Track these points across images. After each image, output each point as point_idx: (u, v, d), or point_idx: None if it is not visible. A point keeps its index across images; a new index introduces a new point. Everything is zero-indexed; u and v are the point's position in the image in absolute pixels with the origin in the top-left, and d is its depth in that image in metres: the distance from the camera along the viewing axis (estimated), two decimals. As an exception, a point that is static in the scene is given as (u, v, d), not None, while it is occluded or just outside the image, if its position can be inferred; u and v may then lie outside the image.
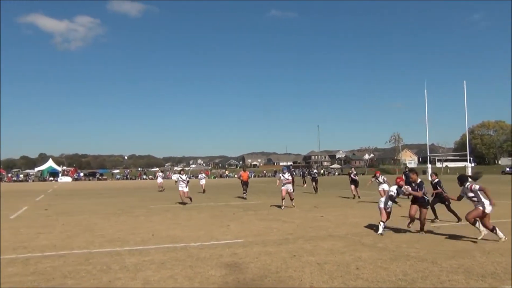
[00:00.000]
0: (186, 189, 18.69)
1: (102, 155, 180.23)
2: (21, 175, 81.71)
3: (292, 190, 16.58)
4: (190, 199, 18.85)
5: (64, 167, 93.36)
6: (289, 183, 16.25)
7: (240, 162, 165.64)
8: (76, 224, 12.35)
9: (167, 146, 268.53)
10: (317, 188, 26.53)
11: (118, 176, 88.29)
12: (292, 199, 16.56)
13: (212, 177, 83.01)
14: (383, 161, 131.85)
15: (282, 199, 16.22)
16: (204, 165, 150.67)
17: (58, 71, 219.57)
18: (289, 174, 16.60)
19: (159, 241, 9.20)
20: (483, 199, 8.33)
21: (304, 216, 13.56)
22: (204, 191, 27.60)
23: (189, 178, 18.54)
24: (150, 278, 6.05)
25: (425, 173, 60.47)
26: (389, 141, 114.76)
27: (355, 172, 22.01)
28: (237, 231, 10.65)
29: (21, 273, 6.44)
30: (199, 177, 30.22)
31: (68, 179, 75.33)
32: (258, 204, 18.52)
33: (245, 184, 21.57)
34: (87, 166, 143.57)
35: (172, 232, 10.44)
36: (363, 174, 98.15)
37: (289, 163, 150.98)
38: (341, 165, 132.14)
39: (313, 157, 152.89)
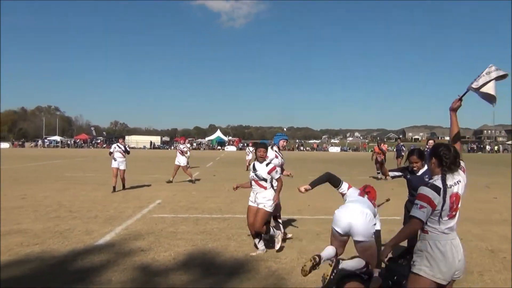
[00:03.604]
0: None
1: (263, 126, 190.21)
2: (194, 144, 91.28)
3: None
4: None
5: (230, 137, 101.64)
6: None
7: (400, 136, 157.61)
8: (238, 191, 13.23)
9: (325, 118, 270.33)
10: None
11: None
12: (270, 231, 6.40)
13: (369, 151, 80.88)
14: None
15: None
16: (361, 138, 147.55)
17: (224, 50, 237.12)
18: (280, 155, 7.40)
19: (315, 212, 9.35)
20: None
21: (472, 197, 11.81)
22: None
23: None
24: (305, 247, 6.18)
25: None
26: None
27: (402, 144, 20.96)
28: (395, 208, 10.15)
29: (192, 231, 7.21)
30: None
31: (233, 148, 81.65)
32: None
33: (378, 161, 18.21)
34: (250, 137, 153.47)
35: (328, 204, 10.45)
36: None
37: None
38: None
39: (485, 131, 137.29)
